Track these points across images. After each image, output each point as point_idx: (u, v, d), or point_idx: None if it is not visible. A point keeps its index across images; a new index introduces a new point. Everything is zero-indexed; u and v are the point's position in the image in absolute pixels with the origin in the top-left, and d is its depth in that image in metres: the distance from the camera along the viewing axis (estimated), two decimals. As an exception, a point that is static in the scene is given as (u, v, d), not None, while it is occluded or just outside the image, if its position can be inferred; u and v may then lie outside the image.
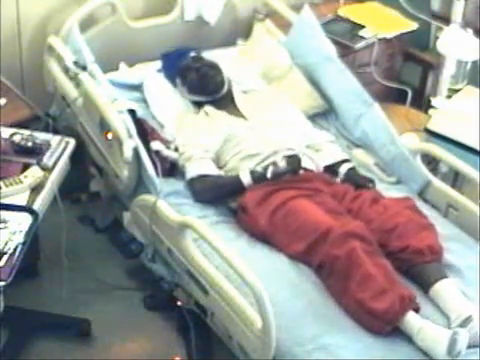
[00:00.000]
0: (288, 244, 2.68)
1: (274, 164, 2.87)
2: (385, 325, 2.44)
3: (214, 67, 3.20)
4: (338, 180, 3.04)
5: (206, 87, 3.16)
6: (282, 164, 2.87)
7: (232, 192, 2.90)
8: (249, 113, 3.13)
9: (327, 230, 2.58)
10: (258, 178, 2.87)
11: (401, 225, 2.69)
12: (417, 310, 2.48)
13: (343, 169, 3.06)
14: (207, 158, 2.98)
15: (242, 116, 3.12)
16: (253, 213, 2.79)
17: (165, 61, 3.38)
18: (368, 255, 2.52)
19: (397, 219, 2.71)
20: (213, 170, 2.96)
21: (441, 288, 2.57)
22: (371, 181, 3.02)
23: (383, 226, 2.70)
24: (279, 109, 3.19)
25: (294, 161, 2.89)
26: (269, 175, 2.85)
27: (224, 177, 2.97)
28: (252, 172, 2.90)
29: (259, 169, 2.91)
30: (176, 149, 3.05)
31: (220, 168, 3.01)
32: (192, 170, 2.95)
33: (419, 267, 2.63)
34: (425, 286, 2.60)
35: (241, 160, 2.98)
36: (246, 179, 2.88)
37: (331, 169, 3.08)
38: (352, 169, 3.07)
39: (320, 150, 3.14)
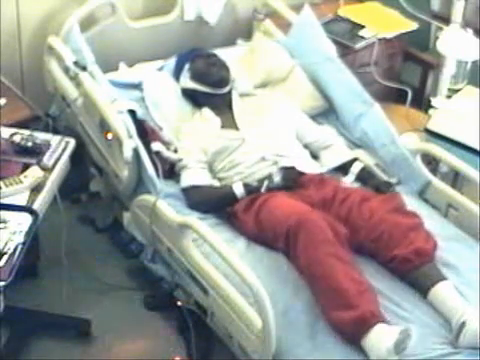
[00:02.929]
0: (274, 241, 2.68)
1: (269, 178, 2.88)
2: (350, 338, 2.42)
3: (224, 64, 3.21)
4: (348, 180, 3.05)
5: (210, 76, 3.15)
6: (277, 179, 2.87)
7: (226, 204, 2.89)
8: (242, 122, 3.10)
9: (288, 227, 2.58)
10: (252, 191, 2.87)
11: (386, 233, 2.67)
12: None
13: (354, 169, 3.08)
14: (201, 167, 2.98)
15: (235, 125, 3.09)
16: (242, 218, 2.81)
17: (179, 57, 3.36)
18: (340, 262, 2.50)
19: (382, 226, 2.68)
20: (207, 180, 2.96)
21: (438, 292, 2.56)
22: (390, 185, 3.02)
23: (370, 235, 2.69)
24: (275, 115, 3.15)
25: (289, 176, 2.89)
26: (263, 190, 2.86)
27: (217, 189, 2.96)
28: (246, 185, 2.90)
29: (255, 183, 2.90)
30: (176, 151, 3.05)
31: (212, 174, 3.01)
32: (185, 179, 2.95)
33: (411, 273, 2.62)
34: (422, 291, 2.60)
35: (229, 169, 2.98)
36: (239, 191, 2.88)
37: (340, 168, 3.11)
38: (363, 169, 3.09)
39: (329, 146, 3.17)
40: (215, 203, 2.91)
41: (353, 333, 2.40)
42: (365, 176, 3.08)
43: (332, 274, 2.47)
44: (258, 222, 2.75)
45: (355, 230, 2.70)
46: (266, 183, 2.87)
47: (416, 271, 2.61)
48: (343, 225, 2.68)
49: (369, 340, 2.36)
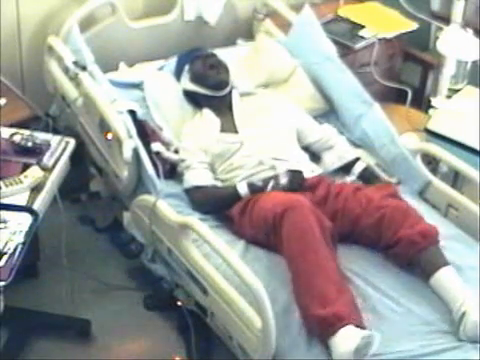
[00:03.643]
0: (267, 237, 2.67)
1: (275, 178, 2.87)
2: (317, 335, 2.43)
3: (224, 65, 3.19)
4: (350, 180, 3.05)
5: (209, 78, 3.13)
6: (283, 181, 2.86)
7: (230, 204, 2.88)
8: (242, 124, 3.09)
9: (274, 216, 2.59)
10: (256, 191, 2.86)
11: (388, 214, 2.67)
12: (362, 327, 2.41)
13: (356, 169, 3.09)
14: (204, 168, 2.98)
15: (235, 127, 3.08)
16: (238, 222, 2.80)
17: (180, 57, 3.35)
18: (319, 258, 2.50)
19: (382, 210, 2.69)
20: (210, 180, 2.96)
21: (440, 278, 2.57)
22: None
23: (370, 220, 2.69)
24: (275, 115, 3.14)
25: (296, 179, 2.88)
26: (268, 190, 2.85)
27: (221, 189, 2.95)
28: (250, 185, 2.89)
29: (259, 183, 2.89)
30: (176, 151, 3.05)
31: (214, 175, 3.01)
32: (189, 180, 2.95)
33: (415, 257, 2.61)
34: (424, 276, 2.60)
35: (229, 172, 2.98)
36: (243, 191, 2.88)
37: (342, 167, 3.12)
38: (366, 169, 3.10)
39: (332, 147, 3.17)
40: (219, 203, 2.90)
41: (320, 332, 2.40)
42: (367, 176, 3.08)
43: (309, 271, 2.47)
44: (251, 221, 2.75)
45: (354, 219, 2.71)
46: (272, 183, 2.87)
47: (420, 254, 2.61)
48: (341, 217, 2.70)
49: (335, 340, 2.36)
